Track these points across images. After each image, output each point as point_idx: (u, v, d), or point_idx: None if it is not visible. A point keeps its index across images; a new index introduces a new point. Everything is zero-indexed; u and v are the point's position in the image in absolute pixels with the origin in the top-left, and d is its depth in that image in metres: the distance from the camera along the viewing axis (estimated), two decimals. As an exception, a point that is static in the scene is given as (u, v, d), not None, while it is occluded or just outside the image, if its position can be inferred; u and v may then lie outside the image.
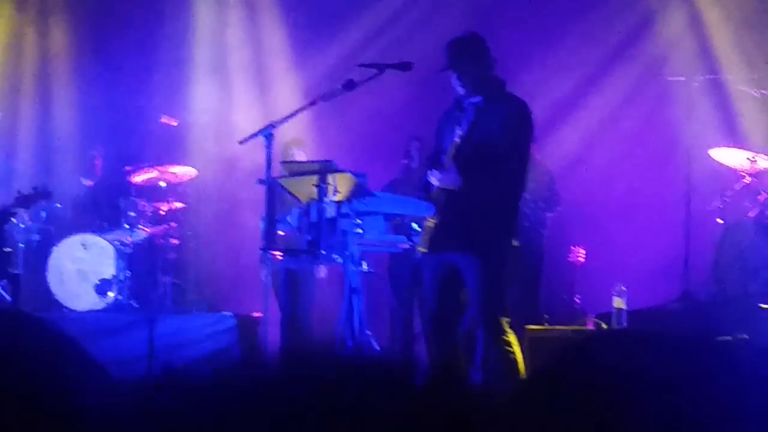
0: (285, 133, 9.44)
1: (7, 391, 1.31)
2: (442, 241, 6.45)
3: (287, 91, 11.66)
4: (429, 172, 6.67)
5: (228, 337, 9.80)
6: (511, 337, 6.59)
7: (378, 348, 6.79)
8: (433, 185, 6.64)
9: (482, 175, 6.52)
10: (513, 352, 6.56)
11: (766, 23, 10.66)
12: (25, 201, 9.51)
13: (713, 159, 9.96)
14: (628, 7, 11.11)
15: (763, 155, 9.53)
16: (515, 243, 6.62)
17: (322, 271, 9.23)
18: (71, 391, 1.37)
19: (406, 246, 6.67)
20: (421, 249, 6.56)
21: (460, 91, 6.65)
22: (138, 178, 10.83)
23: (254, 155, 8.91)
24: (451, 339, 6.71)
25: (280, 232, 6.76)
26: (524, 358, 8.30)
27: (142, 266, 10.62)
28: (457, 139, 6.71)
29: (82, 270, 10.23)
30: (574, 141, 11.02)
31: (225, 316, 10.05)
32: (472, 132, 6.65)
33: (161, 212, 10.87)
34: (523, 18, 11.26)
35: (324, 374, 1.34)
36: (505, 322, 6.53)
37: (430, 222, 6.50)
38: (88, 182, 11.26)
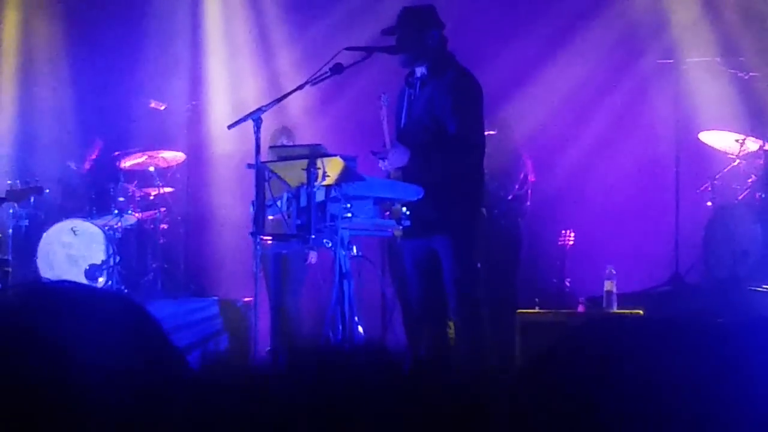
0: (276, 120, 9.43)
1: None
2: (414, 226, 6.45)
3: (277, 74, 11.63)
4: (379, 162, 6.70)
5: (216, 323, 9.80)
6: (484, 324, 6.61)
7: (363, 334, 6.80)
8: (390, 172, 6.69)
9: (435, 150, 6.56)
10: (483, 342, 6.59)
11: (752, 5, 10.66)
12: (15, 195, 9.52)
13: (702, 142, 9.98)
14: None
15: (751, 138, 9.54)
16: (484, 211, 6.69)
17: (312, 257, 9.20)
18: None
19: (398, 230, 6.68)
20: (397, 233, 6.57)
21: (400, 58, 6.68)
22: (127, 163, 10.83)
23: (243, 139, 8.89)
24: (441, 325, 6.72)
25: (270, 217, 6.75)
26: (516, 341, 8.34)
27: (132, 251, 10.63)
28: (403, 117, 6.75)
29: (72, 255, 10.23)
30: (564, 124, 11.01)
31: (214, 301, 10.05)
32: (415, 106, 6.68)
33: (150, 197, 10.88)
34: (511, 6, 11.24)
35: (312, 366, 1.34)
36: (480, 307, 6.57)
37: (399, 207, 6.50)
38: (81, 166, 11.25)
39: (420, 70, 6.73)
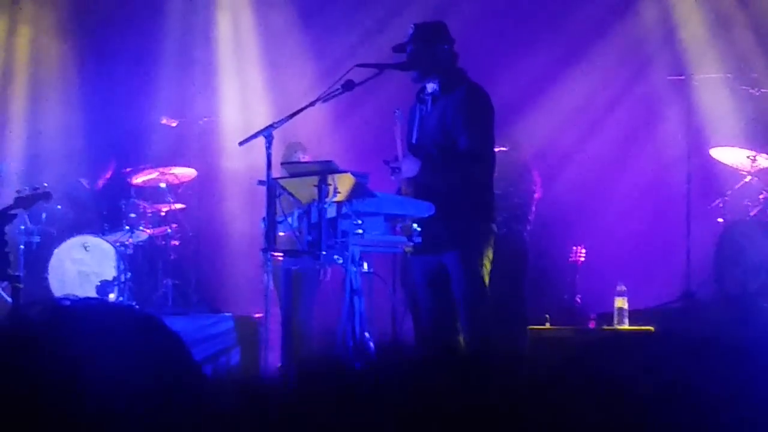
0: (288, 136, 9.43)
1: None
2: (424, 241, 6.45)
3: (289, 91, 11.64)
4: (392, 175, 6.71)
5: (228, 339, 9.78)
6: (493, 340, 6.60)
7: (374, 350, 6.79)
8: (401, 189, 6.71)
9: (446, 165, 6.56)
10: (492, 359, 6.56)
11: (763, 22, 10.66)
12: (24, 202, 9.51)
13: (713, 158, 9.97)
14: (628, 6, 11.11)
15: (763, 154, 9.53)
16: (496, 228, 6.67)
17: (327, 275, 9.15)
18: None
19: (409, 246, 6.67)
20: (407, 249, 6.58)
21: (413, 74, 6.68)
22: (139, 180, 10.84)
23: (254, 156, 8.92)
24: (451, 341, 6.70)
25: (281, 233, 6.75)
26: (527, 357, 8.29)
27: (143, 267, 10.63)
28: (414, 132, 6.76)
29: (83, 271, 10.23)
30: (575, 140, 11.01)
31: (225, 317, 10.04)
32: (426, 122, 6.69)
33: (162, 213, 10.88)
34: (524, 18, 11.25)
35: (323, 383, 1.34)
36: (489, 323, 6.55)
37: (410, 224, 6.50)
38: (94, 184, 11.28)
39: (431, 86, 6.74)
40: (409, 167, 6.63)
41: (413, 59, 6.68)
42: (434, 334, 6.94)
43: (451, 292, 6.63)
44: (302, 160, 9.44)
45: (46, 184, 9.83)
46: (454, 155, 6.59)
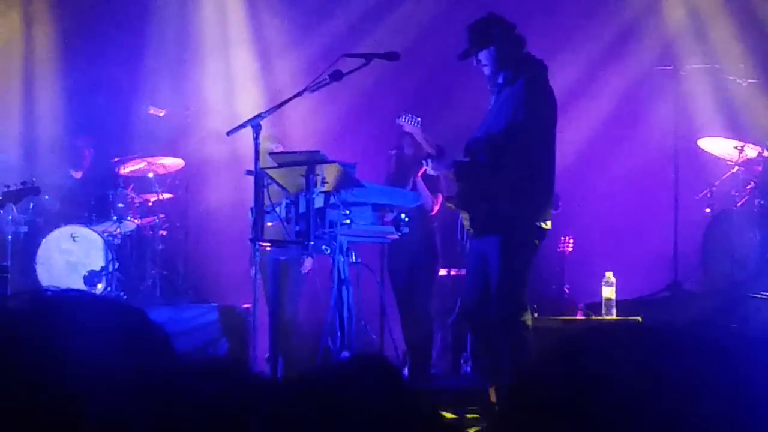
0: (273, 126, 9.41)
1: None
2: (474, 228, 6.42)
3: (276, 81, 11.63)
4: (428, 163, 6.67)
5: (215, 329, 9.78)
6: (529, 331, 6.46)
7: (374, 337, 6.77)
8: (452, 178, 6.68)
9: (498, 158, 6.42)
10: (527, 350, 6.45)
11: (750, 13, 10.68)
12: (13, 196, 9.51)
13: (701, 148, 9.98)
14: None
15: (750, 144, 9.55)
16: (545, 225, 6.55)
17: (308, 265, 9.13)
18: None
19: (395, 236, 6.67)
20: (468, 229, 6.53)
21: (486, 71, 6.58)
22: (126, 170, 10.82)
23: (242, 145, 8.90)
24: (482, 326, 6.55)
25: (269, 223, 6.75)
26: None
27: (131, 258, 10.62)
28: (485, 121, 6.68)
29: (71, 262, 10.22)
30: (563, 131, 10.97)
31: (213, 307, 10.04)
32: (489, 114, 6.58)
33: (149, 203, 10.87)
34: (510, 10, 11.22)
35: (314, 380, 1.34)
36: (525, 313, 6.40)
37: (465, 214, 6.48)
38: (77, 174, 11.24)
39: (500, 78, 6.59)
40: (439, 166, 6.62)
41: (490, 65, 6.55)
42: (468, 318, 6.80)
43: (488, 279, 6.46)
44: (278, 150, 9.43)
45: (34, 179, 9.82)
46: (506, 147, 6.42)
